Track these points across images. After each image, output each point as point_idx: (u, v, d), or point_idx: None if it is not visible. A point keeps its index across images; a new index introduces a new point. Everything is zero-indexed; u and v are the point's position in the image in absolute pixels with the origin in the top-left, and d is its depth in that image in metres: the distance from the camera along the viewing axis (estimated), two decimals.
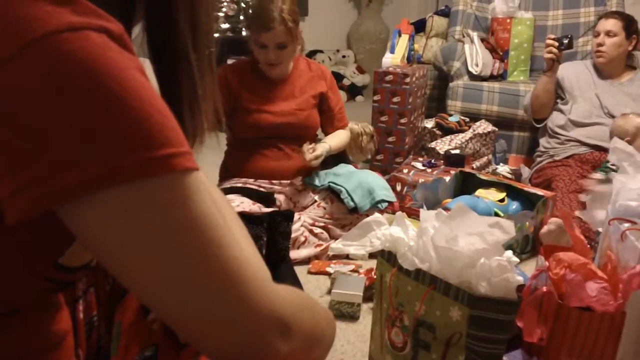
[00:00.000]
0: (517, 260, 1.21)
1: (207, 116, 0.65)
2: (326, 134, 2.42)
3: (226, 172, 2.35)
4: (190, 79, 0.62)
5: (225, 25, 4.02)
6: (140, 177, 0.47)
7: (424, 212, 1.33)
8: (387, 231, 1.40)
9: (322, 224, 2.21)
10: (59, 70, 0.46)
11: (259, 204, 2.12)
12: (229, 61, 2.82)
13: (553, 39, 2.78)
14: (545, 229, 2.04)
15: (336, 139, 2.37)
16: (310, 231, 2.16)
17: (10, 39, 0.46)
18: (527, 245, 2.18)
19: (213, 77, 0.66)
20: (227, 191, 2.15)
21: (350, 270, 1.95)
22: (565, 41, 2.77)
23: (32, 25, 0.46)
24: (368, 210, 2.20)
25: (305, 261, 2.08)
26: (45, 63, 0.45)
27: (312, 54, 5.49)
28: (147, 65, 0.60)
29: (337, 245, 2.12)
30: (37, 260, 0.57)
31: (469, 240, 1.19)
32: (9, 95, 0.45)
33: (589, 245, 1.55)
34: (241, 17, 4.07)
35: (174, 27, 0.60)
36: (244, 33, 4.00)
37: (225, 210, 0.55)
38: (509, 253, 1.20)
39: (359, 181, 2.24)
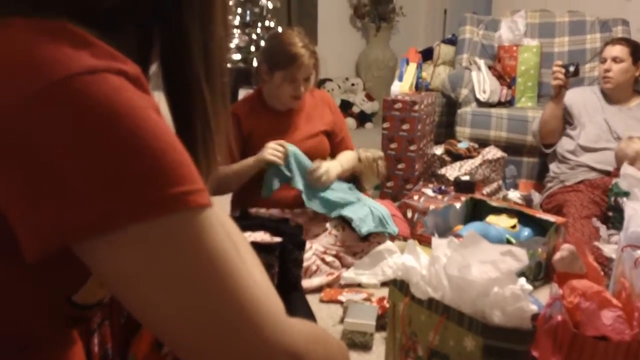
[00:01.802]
0: (531, 288, 1.21)
1: (220, 150, 0.66)
2: (333, 159, 2.43)
3: (238, 202, 2.35)
4: (204, 113, 0.63)
5: (237, 56, 4.07)
6: (155, 214, 0.48)
7: (435, 240, 1.33)
8: (398, 260, 1.40)
9: (333, 252, 2.21)
10: (77, 112, 0.47)
11: (269, 234, 2.13)
12: (241, 91, 2.85)
13: (560, 66, 2.80)
14: (558, 255, 2.03)
15: (344, 158, 2.39)
16: (322, 259, 2.16)
17: (32, 81, 0.47)
18: (540, 272, 2.16)
19: (226, 112, 0.67)
20: (241, 223, 2.16)
21: (363, 299, 1.94)
22: (572, 69, 2.78)
23: (53, 67, 0.47)
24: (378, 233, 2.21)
25: (317, 289, 2.07)
26: (65, 104, 0.47)
27: (321, 82, 5.54)
28: (161, 99, 0.61)
29: (349, 274, 2.12)
30: (52, 298, 0.58)
31: (481, 268, 1.19)
32: (30, 135, 0.47)
33: (602, 272, 1.54)
34: (252, 49, 4.12)
35: (188, 64, 0.62)
36: (255, 64, 4.04)
37: (239, 243, 0.56)
38: (523, 281, 1.20)
39: (369, 208, 2.24)
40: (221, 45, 0.64)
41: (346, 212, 2.22)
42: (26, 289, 0.56)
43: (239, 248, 0.55)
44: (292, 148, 2.19)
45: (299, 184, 2.20)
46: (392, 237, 2.23)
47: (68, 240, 0.47)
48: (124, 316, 0.82)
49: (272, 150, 2.14)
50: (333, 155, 2.43)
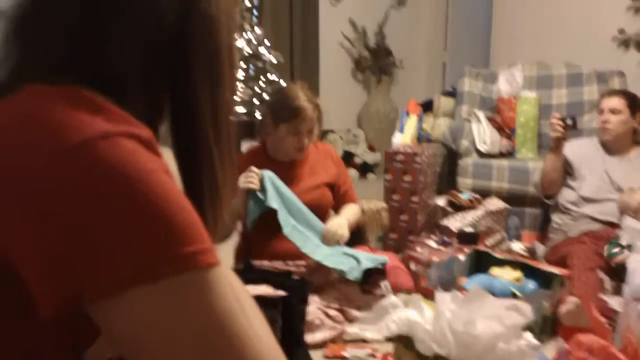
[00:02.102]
0: (538, 343, 1.21)
1: (228, 210, 0.68)
2: (336, 211, 2.44)
3: (241, 254, 2.35)
4: (211, 171, 0.65)
5: (240, 109, 4.13)
6: (165, 274, 0.50)
7: (439, 295, 1.33)
8: (403, 314, 1.40)
9: (337, 306, 2.19)
10: (91, 176, 0.49)
11: (272, 287, 2.12)
12: (244, 143, 2.89)
13: (558, 119, 2.83)
14: (563, 308, 2.01)
15: (350, 212, 2.39)
16: (325, 313, 2.14)
17: (47, 146, 0.50)
18: (546, 326, 2.14)
19: (233, 169, 0.68)
20: (244, 276, 2.15)
21: (367, 355, 1.91)
22: (570, 122, 2.81)
23: (68, 133, 0.50)
24: (363, 280, 2.17)
25: (321, 345, 2.05)
26: (80, 169, 0.49)
27: (324, 133, 5.59)
28: (169, 156, 0.63)
29: (353, 330, 2.10)
30: (64, 353, 0.58)
31: (486, 323, 1.19)
32: (44, 199, 0.49)
33: (608, 325, 1.54)
34: (255, 102, 4.18)
35: (197, 125, 0.64)
36: (257, 117, 4.10)
37: (245, 301, 0.57)
38: (529, 336, 1.20)
39: (344, 253, 2.23)
40: (228, 105, 0.67)
41: (330, 263, 2.20)
42: (38, 345, 0.56)
43: (245, 308, 0.56)
44: (267, 172, 2.19)
45: (274, 203, 2.17)
46: (396, 291, 2.22)
47: (80, 301, 0.49)
48: None
49: (244, 179, 2.14)
50: (336, 208, 2.44)
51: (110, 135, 0.51)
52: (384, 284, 2.18)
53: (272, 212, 2.20)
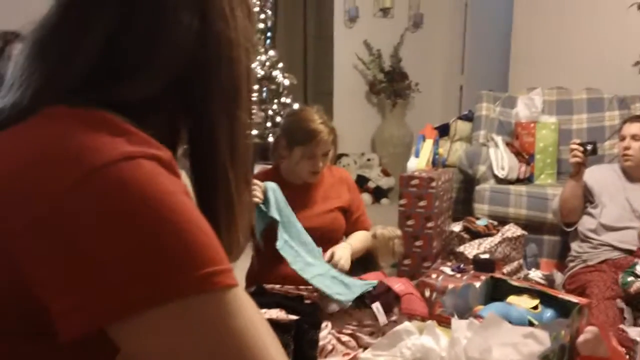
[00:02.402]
0: None
1: (243, 231, 0.68)
2: (347, 237, 2.42)
3: (253, 278, 2.33)
4: (228, 194, 0.66)
5: (253, 132, 4.14)
6: (184, 295, 0.50)
7: (455, 322, 1.29)
8: (417, 341, 1.36)
9: (349, 332, 2.16)
10: (114, 197, 0.50)
11: (284, 311, 2.09)
12: (257, 167, 2.88)
13: (577, 144, 2.80)
14: (581, 338, 1.96)
15: (356, 238, 2.37)
16: (338, 339, 2.11)
17: (71, 169, 0.51)
18: (563, 356, 2.08)
19: (249, 191, 0.70)
20: (257, 300, 2.13)
21: None
22: (589, 147, 2.78)
23: (92, 155, 0.51)
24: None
25: None
26: (103, 191, 0.50)
27: (337, 157, 5.59)
28: (185, 178, 0.64)
29: (366, 356, 2.05)
30: None
31: (503, 351, 1.15)
32: (68, 221, 0.50)
33: (627, 356, 1.49)
34: (268, 124, 4.19)
35: (214, 149, 0.65)
36: (270, 140, 4.10)
37: (261, 325, 0.57)
38: None
39: (333, 277, 2.20)
40: (245, 130, 0.68)
41: (317, 283, 2.16)
42: None
43: (260, 330, 0.56)
44: (270, 184, 2.18)
45: (275, 214, 2.15)
46: (410, 317, 2.18)
47: (103, 322, 0.49)
48: None
49: None
50: (347, 233, 2.41)
51: (132, 157, 0.52)
52: (376, 306, 2.15)
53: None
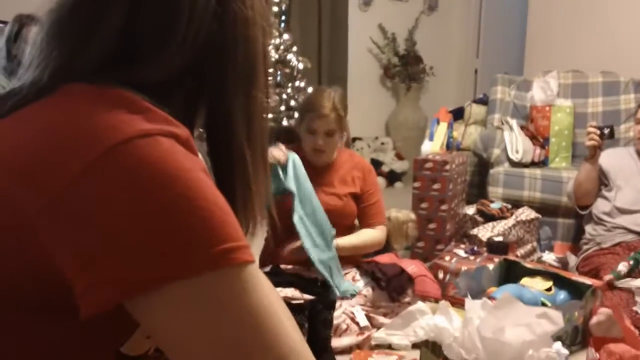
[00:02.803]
0: (567, 352, 1.18)
1: (260, 209, 0.69)
2: (360, 227, 2.42)
3: (267, 258, 2.36)
4: (245, 174, 0.66)
5: (268, 115, 4.14)
6: (202, 271, 0.51)
7: (469, 302, 1.31)
8: (431, 321, 1.38)
9: (363, 313, 2.18)
10: (132, 174, 0.51)
11: (298, 290, 2.12)
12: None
13: (595, 127, 2.78)
14: (594, 319, 1.97)
15: (351, 239, 2.34)
16: (352, 319, 2.13)
17: (91, 146, 0.51)
18: (577, 337, 2.10)
19: (265, 171, 0.70)
20: (272, 279, 2.16)
21: None
22: (606, 131, 2.76)
23: (110, 133, 0.52)
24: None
25: (347, 350, 2.03)
26: (121, 167, 0.51)
27: (351, 141, 5.58)
28: (202, 158, 0.64)
29: (380, 335, 2.08)
30: (102, 349, 0.60)
31: (516, 331, 1.17)
32: (88, 197, 0.50)
33: None
34: (282, 108, 4.19)
35: (231, 129, 0.65)
36: (284, 123, 4.11)
37: (276, 302, 0.58)
38: (558, 345, 1.17)
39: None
40: (262, 109, 0.68)
41: (319, 267, 2.17)
42: (77, 341, 0.58)
43: (276, 306, 0.57)
44: (294, 155, 2.20)
45: (292, 185, 2.17)
46: (423, 299, 2.20)
47: (123, 297, 0.50)
48: None
49: (271, 152, 2.15)
50: (360, 220, 2.42)
51: (150, 134, 0.52)
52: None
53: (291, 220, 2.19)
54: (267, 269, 2.26)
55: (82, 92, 0.56)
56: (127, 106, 0.54)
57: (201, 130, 0.68)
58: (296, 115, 2.37)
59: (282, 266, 2.26)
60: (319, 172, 2.35)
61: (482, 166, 3.74)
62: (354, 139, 5.67)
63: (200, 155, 0.63)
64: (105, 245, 0.50)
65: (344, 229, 2.32)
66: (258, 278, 0.54)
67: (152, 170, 0.51)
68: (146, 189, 0.50)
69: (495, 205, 3.20)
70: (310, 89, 4.13)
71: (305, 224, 2.19)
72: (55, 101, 0.56)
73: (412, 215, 2.73)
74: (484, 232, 2.96)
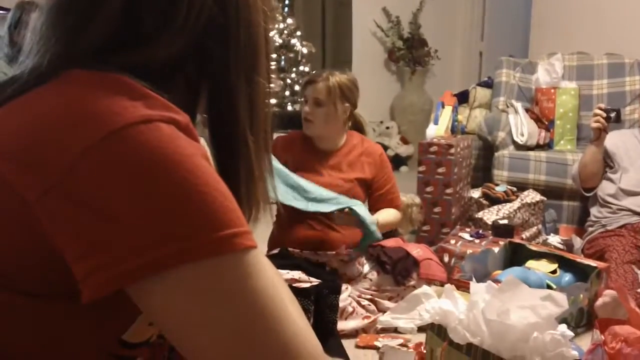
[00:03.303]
0: (572, 334, 1.19)
1: (263, 194, 0.68)
2: (373, 210, 2.42)
3: (274, 243, 2.37)
4: (248, 160, 0.66)
5: (272, 101, 4.14)
6: (204, 256, 0.51)
7: (474, 285, 1.32)
8: (436, 304, 1.39)
9: (368, 296, 2.19)
10: (133, 159, 0.50)
11: (304, 273, 2.14)
12: (275, 135, 2.90)
13: (601, 109, 2.77)
14: (600, 301, 1.98)
15: (385, 215, 2.37)
16: (358, 302, 2.15)
17: (91, 131, 0.51)
18: (582, 319, 2.11)
19: (269, 157, 0.69)
20: (278, 262, 2.18)
21: (399, 345, 1.91)
22: (612, 115, 2.75)
23: (111, 118, 0.51)
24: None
25: (353, 334, 2.05)
26: (121, 152, 0.50)
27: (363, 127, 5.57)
28: (204, 145, 0.64)
29: (385, 318, 2.10)
30: (103, 336, 0.60)
31: (521, 313, 1.17)
32: (88, 182, 0.50)
33: None
34: (287, 93, 4.19)
35: (233, 114, 0.65)
36: (289, 108, 4.11)
37: (280, 286, 0.58)
38: (563, 327, 1.18)
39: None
40: (264, 94, 0.67)
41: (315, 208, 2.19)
42: (78, 328, 0.58)
43: (281, 291, 0.57)
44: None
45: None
46: (429, 282, 2.21)
47: (124, 282, 0.50)
48: (165, 356, 0.83)
49: None
50: (373, 207, 2.42)
51: (150, 120, 0.52)
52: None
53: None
54: (276, 251, 2.28)
55: (82, 78, 0.55)
56: (127, 92, 0.54)
57: (204, 115, 0.68)
58: (302, 99, 2.40)
59: (291, 249, 2.28)
60: (326, 156, 2.36)
61: (487, 149, 3.73)
62: None
63: (202, 141, 0.63)
64: (105, 230, 0.50)
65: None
66: (261, 263, 0.54)
67: (152, 156, 0.51)
68: (147, 174, 0.50)
69: (500, 189, 3.20)
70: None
71: (288, 193, 2.20)
72: (55, 87, 0.56)
73: (418, 199, 2.73)
74: (489, 215, 2.96)
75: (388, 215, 2.37)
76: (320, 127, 2.35)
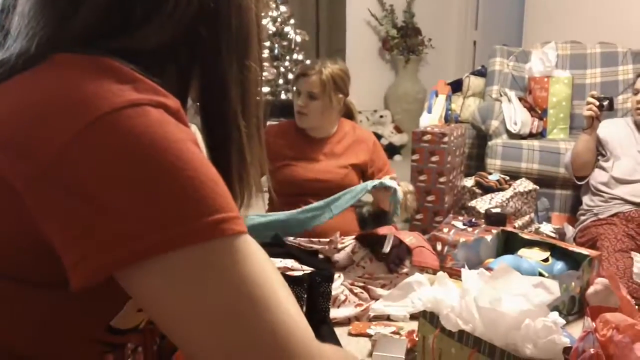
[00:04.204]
0: (564, 321, 1.19)
1: (255, 181, 0.68)
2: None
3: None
4: (239, 146, 0.65)
5: (265, 89, 4.13)
6: (194, 242, 0.50)
7: (465, 272, 1.32)
8: (428, 292, 1.39)
9: (361, 284, 2.19)
10: (120, 144, 0.50)
11: (297, 261, 2.13)
12: (268, 123, 2.90)
13: (594, 98, 2.78)
14: (591, 289, 1.99)
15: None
16: (350, 290, 2.15)
17: (78, 116, 0.50)
18: (573, 307, 2.11)
19: (261, 144, 0.69)
20: (270, 250, 2.17)
21: (392, 332, 1.91)
22: (605, 103, 2.76)
23: (99, 102, 0.51)
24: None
25: (346, 322, 2.05)
26: (109, 137, 0.50)
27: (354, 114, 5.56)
28: (195, 131, 0.63)
29: (378, 306, 2.10)
30: (92, 323, 0.60)
31: (513, 301, 1.18)
32: (75, 169, 0.49)
33: (637, 306, 1.51)
34: (280, 81, 4.18)
35: (225, 100, 0.64)
36: (283, 96, 4.09)
37: (271, 272, 0.58)
38: (555, 314, 1.18)
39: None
40: (256, 80, 0.67)
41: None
42: (68, 315, 0.58)
43: (271, 277, 0.56)
44: None
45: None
46: (421, 270, 2.21)
47: (112, 269, 0.50)
48: (156, 343, 0.83)
49: None
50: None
51: (138, 104, 0.51)
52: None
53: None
54: (269, 239, 2.28)
55: (70, 61, 0.55)
56: (115, 76, 0.53)
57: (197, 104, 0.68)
58: (293, 89, 2.38)
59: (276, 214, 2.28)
60: (319, 144, 2.35)
61: (481, 138, 3.73)
62: None
63: (194, 127, 0.62)
64: (93, 217, 0.49)
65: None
66: (251, 249, 0.54)
67: (140, 141, 0.50)
68: (134, 159, 0.50)
69: (493, 177, 3.21)
70: (308, 62, 4.11)
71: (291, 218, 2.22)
72: (43, 71, 0.55)
73: (411, 187, 2.73)
74: (482, 203, 2.97)
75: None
76: (315, 119, 2.34)
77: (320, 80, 2.26)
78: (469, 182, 3.29)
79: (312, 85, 2.27)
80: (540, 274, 2.12)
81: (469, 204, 3.04)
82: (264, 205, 2.43)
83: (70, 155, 0.49)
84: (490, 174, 3.28)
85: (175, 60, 0.64)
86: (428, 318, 1.36)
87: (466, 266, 2.13)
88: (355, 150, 2.39)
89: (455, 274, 2.27)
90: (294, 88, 2.34)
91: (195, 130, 0.63)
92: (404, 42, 5.88)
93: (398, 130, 5.83)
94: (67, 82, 0.53)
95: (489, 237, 2.44)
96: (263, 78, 0.72)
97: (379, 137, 5.64)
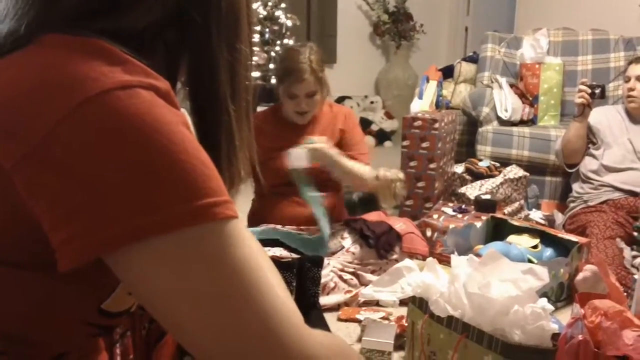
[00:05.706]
0: (552, 308, 1.19)
1: (244, 165, 0.68)
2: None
3: (254, 221, 2.36)
4: (229, 129, 0.65)
5: (256, 74, 4.10)
6: (184, 225, 0.50)
7: (455, 258, 1.32)
8: (418, 277, 1.39)
9: (351, 270, 2.20)
10: (110, 125, 0.49)
11: (287, 250, 2.13)
12: (259, 108, 2.88)
13: (586, 85, 2.78)
14: (580, 276, 2.00)
15: (353, 163, 2.31)
16: (340, 277, 2.15)
17: (68, 96, 0.50)
18: (562, 293, 2.13)
19: (250, 127, 0.69)
20: (259, 239, 2.16)
21: (381, 318, 1.92)
22: (597, 91, 2.76)
23: (88, 84, 0.50)
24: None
25: (335, 308, 2.06)
26: (99, 118, 0.49)
27: (340, 100, 5.55)
28: (185, 114, 0.63)
29: (367, 291, 2.10)
30: (83, 306, 0.60)
31: (501, 287, 1.18)
32: (65, 149, 0.49)
33: (625, 293, 1.52)
34: (271, 66, 4.15)
35: (214, 83, 0.64)
36: (273, 81, 4.07)
37: (261, 257, 0.57)
38: (544, 301, 1.18)
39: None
40: (246, 63, 0.66)
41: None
42: (58, 298, 0.58)
43: (261, 262, 0.56)
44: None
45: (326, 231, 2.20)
46: (411, 256, 2.22)
47: (100, 251, 0.49)
48: (145, 327, 0.83)
49: None
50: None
51: (129, 86, 0.51)
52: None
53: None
54: (259, 228, 2.27)
55: (59, 42, 0.54)
56: (105, 57, 0.52)
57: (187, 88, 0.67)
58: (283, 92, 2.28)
59: (272, 226, 2.27)
60: (300, 129, 2.33)
61: (471, 125, 3.73)
62: (344, 98, 5.64)
63: (184, 111, 0.62)
64: (81, 198, 0.48)
65: (327, 181, 2.31)
66: (241, 234, 0.54)
67: (130, 123, 0.49)
68: (125, 141, 0.49)
69: (483, 164, 3.21)
70: (291, 43, 4.06)
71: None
72: (32, 52, 0.55)
73: (401, 174, 2.72)
74: (472, 190, 2.98)
75: (356, 166, 2.30)
76: (313, 113, 2.33)
77: (316, 78, 2.23)
78: (459, 168, 3.29)
79: (309, 85, 2.23)
80: (530, 261, 2.13)
81: (459, 191, 3.04)
82: (252, 193, 2.42)
83: (59, 135, 0.49)
84: (480, 160, 3.28)
85: (164, 42, 0.63)
86: (417, 303, 1.36)
87: (456, 252, 2.15)
88: (333, 129, 2.37)
89: (444, 260, 2.28)
90: (286, 91, 2.25)
91: (185, 113, 0.63)
92: (395, 27, 5.85)
93: (389, 116, 5.83)
94: (56, 63, 0.52)
95: (478, 224, 2.45)
96: (253, 62, 0.71)
97: (369, 122, 5.63)
